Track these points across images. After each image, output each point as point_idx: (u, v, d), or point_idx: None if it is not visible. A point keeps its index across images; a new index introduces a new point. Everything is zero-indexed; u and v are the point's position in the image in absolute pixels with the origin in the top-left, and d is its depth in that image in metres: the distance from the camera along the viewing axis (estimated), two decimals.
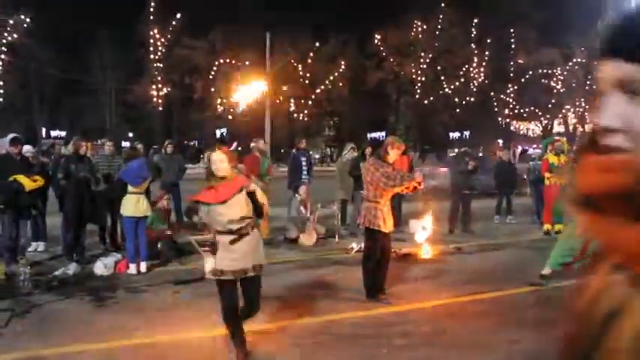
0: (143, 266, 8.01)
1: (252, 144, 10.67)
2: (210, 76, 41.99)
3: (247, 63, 41.63)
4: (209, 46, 41.81)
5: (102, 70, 43.94)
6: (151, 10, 40.34)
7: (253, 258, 4.47)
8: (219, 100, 42.94)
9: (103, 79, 44.22)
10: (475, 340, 5.30)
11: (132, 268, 7.89)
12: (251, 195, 4.43)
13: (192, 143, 51.01)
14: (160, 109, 43.67)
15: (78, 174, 8.57)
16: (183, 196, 11.51)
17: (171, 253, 8.82)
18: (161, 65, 42.39)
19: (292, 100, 43.31)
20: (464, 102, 46.99)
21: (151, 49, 41.75)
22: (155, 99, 42.54)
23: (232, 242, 4.35)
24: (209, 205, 4.40)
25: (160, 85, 42.65)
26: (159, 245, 8.88)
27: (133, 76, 42.53)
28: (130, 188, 7.91)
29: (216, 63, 41.68)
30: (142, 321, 5.83)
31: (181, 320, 5.85)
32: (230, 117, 43.14)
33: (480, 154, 13.46)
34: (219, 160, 4.40)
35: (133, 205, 7.89)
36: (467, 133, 49.32)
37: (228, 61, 41.75)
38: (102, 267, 7.87)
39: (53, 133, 43.69)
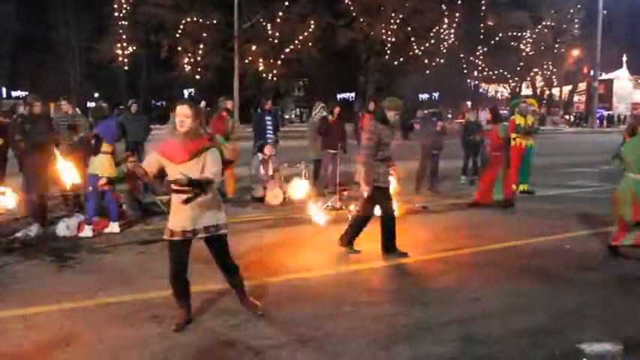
0: (116, 227, 7.88)
1: (220, 103, 10.47)
2: (177, 35, 40.98)
3: (215, 22, 40.73)
4: (175, 4, 40.60)
5: (65, 27, 42.51)
6: None
7: (208, 219, 4.39)
8: (186, 60, 42.03)
9: (66, 37, 42.82)
10: (438, 297, 5.38)
11: (87, 231, 7.64)
12: (214, 153, 4.34)
13: (159, 103, 50.13)
14: (126, 68, 42.60)
15: (34, 135, 8.24)
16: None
17: (135, 214, 8.71)
18: (126, 23, 41.18)
19: (261, 60, 42.63)
20: (433, 63, 46.92)
21: (115, 6, 40.46)
22: (120, 58, 41.42)
23: (185, 202, 4.17)
24: (169, 163, 4.32)
25: (125, 44, 41.51)
26: (123, 206, 8.76)
27: (98, 34, 41.30)
28: (103, 148, 7.64)
29: (183, 21, 40.64)
30: (105, 281, 5.77)
31: (145, 280, 5.80)
32: (198, 77, 42.39)
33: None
34: (185, 115, 4.26)
35: (108, 164, 7.67)
36: (436, 95, 49.51)
37: (195, 19, 40.73)
38: (64, 228, 7.70)
39: (14, 94, 42.33)
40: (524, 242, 7.52)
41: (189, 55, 42.15)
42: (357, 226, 6.81)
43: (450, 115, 53.46)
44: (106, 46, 41.19)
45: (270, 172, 10.32)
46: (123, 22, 41.05)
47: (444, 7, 47.04)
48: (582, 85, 58.21)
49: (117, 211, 8.03)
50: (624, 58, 57.12)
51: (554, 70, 54.05)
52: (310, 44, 42.87)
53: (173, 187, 4.25)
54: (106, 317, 4.81)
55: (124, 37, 41.24)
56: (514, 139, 11.18)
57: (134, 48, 42.16)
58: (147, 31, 41.74)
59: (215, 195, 4.46)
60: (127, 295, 5.32)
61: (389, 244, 6.72)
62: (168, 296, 5.25)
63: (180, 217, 4.35)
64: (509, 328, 4.61)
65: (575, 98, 59.98)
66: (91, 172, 7.70)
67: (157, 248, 7.13)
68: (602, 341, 4.37)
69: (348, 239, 6.81)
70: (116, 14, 40.65)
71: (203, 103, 11.78)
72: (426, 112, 13.11)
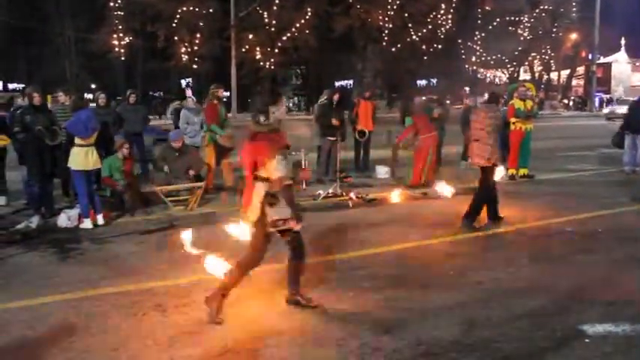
0: (100, 219, 7.80)
1: (212, 91, 10.39)
2: (174, 25, 40.75)
3: (211, 11, 40.48)
4: None
5: (60, 18, 42.27)
6: None
7: None
8: (183, 49, 41.83)
9: (61, 28, 42.57)
10: (441, 282, 5.40)
11: (86, 223, 7.61)
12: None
13: (156, 94, 49.94)
14: (122, 58, 42.40)
15: (34, 126, 8.19)
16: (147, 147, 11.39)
17: (136, 204, 8.71)
18: (122, 13, 40.90)
19: (258, 49, 42.44)
20: (431, 49, 46.71)
21: None
22: (117, 48, 41.21)
23: None
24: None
25: (121, 34, 41.27)
26: (124, 196, 8.75)
27: (94, 24, 41.05)
28: (76, 140, 7.53)
29: (179, 11, 40.39)
30: (108, 271, 5.79)
31: (147, 269, 5.81)
32: (195, 66, 42.19)
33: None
34: None
35: (82, 157, 7.54)
36: (434, 81, 49.34)
37: (191, 8, 40.47)
38: (66, 219, 7.71)
39: (11, 86, 42.15)
40: (526, 226, 7.53)
41: (186, 44, 41.91)
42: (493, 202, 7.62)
43: (448, 101, 53.32)
44: (102, 36, 40.96)
45: None
46: (118, 13, 40.75)
47: None
48: (580, 69, 58.03)
49: (100, 203, 7.99)
50: (622, 42, 56.91)
51: (552, 54, 53.84)
52: (307, 32, 42.64)
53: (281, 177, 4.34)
54: (109, 307, 4.82)
55: (120, 27, 40.95)
56: (513, 123, 11.18)
57: (130, 38, 41.92)
58: (143, 21, 41.47)
59: None
60: (129, 285, 5.33)
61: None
62: (170, 285, 5.29)
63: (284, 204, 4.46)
64: (510, 311, 4.63)
65: (574, 82, 59.80)
66: (69, 166, 7.68)
67: (158, 238, 7.17)
68: (603, 322, 4.41)
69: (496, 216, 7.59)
70: (111, 4, 40.34)
71: (189, 92, 11.68)
72: (424, 98, 13.14)
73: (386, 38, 45.34)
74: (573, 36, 52.13)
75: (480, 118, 7.43)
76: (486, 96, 11.62)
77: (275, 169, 4.26)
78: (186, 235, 6.26)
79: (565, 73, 58.42)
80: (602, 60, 55.71)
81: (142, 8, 39.66)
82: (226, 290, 4.52)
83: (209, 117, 9.98)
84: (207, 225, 7.76)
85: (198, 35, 41.60)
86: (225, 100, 47.99)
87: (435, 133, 10.71)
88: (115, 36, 40.87)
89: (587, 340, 4.12)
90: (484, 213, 7.53)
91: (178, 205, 8.70)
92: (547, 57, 54.44)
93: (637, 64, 59.97)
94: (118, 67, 44.49)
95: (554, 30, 52.01)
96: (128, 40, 41.80)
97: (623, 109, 35.65)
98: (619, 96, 51.57)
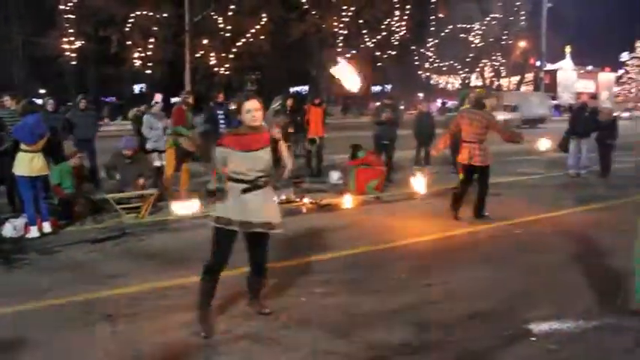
0: (47, 226, 7.54)
1: (181, 98, 10.59)
2: (127, 29, 40.04)
3: (165, 15, 39.97)
4: None
5: (6, 22, 41.02)
6: None
7: (264, 214, 4.33)
8: (136, 54, 41.12)
9: (7, 31, 41.31)
10: (392, 285, 5.47)
11: (33, 231, 7.37)
12: (275, 146, 4.35)
13: (108, 99, 48.96)
14: (74, 63, 41.39)
15: None
16: (99, 153, 11.15)
17: (86, 212, 8.52)
18: (73, 16, 39.94)
19: (213, 54, 42.11)
20: (385, 56, 47.29)
21: None
22: (67, 52, 40.20)
23: (244, 191, 4.24)
24: (233, 151, 4.23)
25: (72, 38, 40.29)
26: (74, 204, 8.54)
27: (43, 27, 39.94)
28: (22, 146, 7.27)
29: (133, 15, 39.73)
30: (55, 281, 5.63)
31: (97, 279, 5.69)
32: (149, 71, 41.55)
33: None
34: (257, 108, 4.26)
35: (27, 163, 7.27)
36: (388, 87, 49.91)
37: (145, 12, 39.86)
38: (11, 229, 7.45)
39: None
40: (476, 228, 7.69)
41: (140, 49, 41.24)
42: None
43: (402, 107, 54.00)
44: (52, 40, 39.87)
45: None
46: (69, 16, 39.77)
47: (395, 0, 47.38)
48: (529, 76, 59.79)
49: (47, 210, 7.69)
50: (568, 50, 59.01)
51: (503, 61, 55.34)
52: (262, 37, 42.56)
53: (234, 176, 4.27)
54: (57, 318, 4.70)
55: (71, 31, 39.96)
56: None
57: (82, 42, 40.94)
58: (95, 24, 40.59)
59: (270, 190, 4.44)
60: (78, 295, 5.20)
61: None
62: (121, 295, 5.20)
63: (239, 206, 4.27)
64: (460, 312, 4.72)
65: (523, 88, 61.51)
66: (13, 172, 7.42)
67: (109, 246, 7.02)
68: (549, 320, 4.55)
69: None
70: (61, 7, 39.33)
71: (160, 97, 11.57)
72: (378, 103, 13.33)
73: (340, 44, 45.67)
74: (522, 44, 53.71)
75: (482, 124, 7.87)
76: (439, 102, 11.87)
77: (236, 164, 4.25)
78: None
79: (515, 79, 60.06)
80: (549, 67, 57.61)
81: (94, 11, 38.84)
82: (207, 298, 4.46)
83: (176, 120, 9.96)
84: (158, 233, 7.68)
85: (152, 40, 40.96)
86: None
87: (383, 169, 10.79)
88: (65, 40, 39.86)
89: (533, 339, 4.24)
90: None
91: (130, 213, 8.55)
92: (497, 64, 55.94)
93: (581, 71, 62.28)
94: (68, 72, 43.38)
95: (504, 38, 53.49)
96: (79, 45, 40.81)
97: None
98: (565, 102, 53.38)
